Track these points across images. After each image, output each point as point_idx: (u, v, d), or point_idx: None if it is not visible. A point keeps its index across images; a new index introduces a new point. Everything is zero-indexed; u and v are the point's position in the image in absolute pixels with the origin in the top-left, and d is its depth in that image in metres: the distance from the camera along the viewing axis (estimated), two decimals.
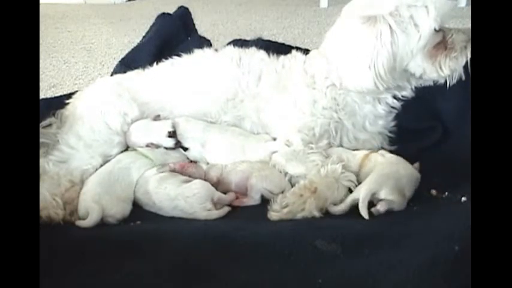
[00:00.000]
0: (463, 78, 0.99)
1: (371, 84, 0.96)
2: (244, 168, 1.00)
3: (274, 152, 1.02)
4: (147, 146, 1.07)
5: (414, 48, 0.95)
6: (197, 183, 0.97)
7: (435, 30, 0.94)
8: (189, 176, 1.02)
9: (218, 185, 1.01)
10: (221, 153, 1.06)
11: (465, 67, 0.98)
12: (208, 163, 1.06)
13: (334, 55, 1.02)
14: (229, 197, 0.98)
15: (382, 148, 1.08)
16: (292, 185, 0.97)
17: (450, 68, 0.97)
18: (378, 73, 0.94)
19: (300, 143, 1.00)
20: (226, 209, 0.95)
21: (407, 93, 1.05)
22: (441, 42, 0.97)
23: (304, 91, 1.05)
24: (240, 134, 1.08)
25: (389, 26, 0.93)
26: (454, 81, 1.00)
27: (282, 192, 0.94)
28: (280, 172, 1.00)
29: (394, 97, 1.06)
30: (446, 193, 0.91)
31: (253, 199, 0.97)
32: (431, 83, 1.03)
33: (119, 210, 0.95)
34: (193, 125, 1.09)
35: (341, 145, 1.06)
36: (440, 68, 0.97)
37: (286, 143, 1.01)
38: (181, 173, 1.02)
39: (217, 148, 1.06)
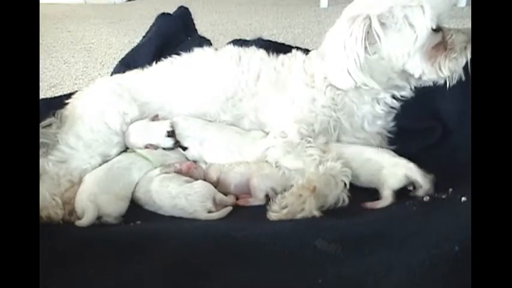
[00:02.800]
0: (463, 78, 0.99)
1: (347, 83, 0.97)
2: (242, 170, 1.00)
3: (269, 147, 1.01)
4: (146, 147, 1.07)
5: (411, 48, 0.95)
6: (199, 183, 0.98)
7: (433, 30, 0.94)
8: (190, 177, 1.02)
9: (217, 184, 1.01)
10: (218, 152, 1.06)
11: (465, 67, 0.98)
12: (206, 163, 1.06)
13: (326, 53, 1.02)
14: (231, 199, 0.98)
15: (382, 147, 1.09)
16: (285, 180, 0.97)
17: (450, 69, 0.97)
18: (349, 72, 0.95)
19: (297, 135, 1.00)
20: (227, 209, 0.95)
21: (407, 93, 1.05)
22: (440, 42, 0.97)
23: (303, 89, 1.05)
24: (237, 133, 1.08)
25: (369, 25, 0.92)
26: (454, 81, 1.00)
27: (285, 190, 0.94)
28: (276, 167, 1.00)
29: (393, 97, 1.05)
30: (447, 193, 0.91)
31: (258, 199, 0.97)
32: (431, 84, 1.03)
33: (116, 208, 0.95)
34: (191, 123, 1.09)
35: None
36: (440, 69, 0.97)
37: (281, 134, 1.01)
38: (186, 173, 1.02)
39: (215, 146, 1.06)
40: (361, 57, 0.94)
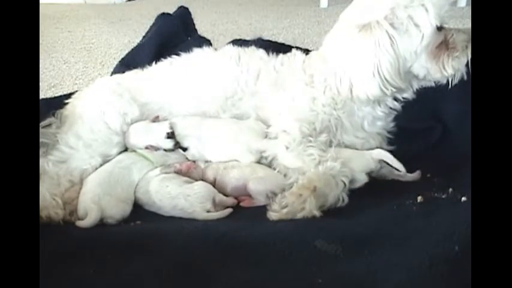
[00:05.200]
0: (465, 78, 0.99)
1: (377, 91, 0.96)
2: (237, 175, 1.00)
3: (270, 146, 1.01)
4: (146, 148, 1.07)
5: (418, 48, 0.95)
6: (199, 183, 0.98)
7: (437, 28, 0.94)
8: (189, 177, 1.02)
9: (215, 185, 1.01)
10: (216, 142, 1.05)
11: (466, 66, 0.98)
12: (206, 161, 1.06)
13: (334, 64, 1.01)
14: (231, 200, 0.98)
15: (382, 148, 1.09)
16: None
17: (453, 67, 0.98)
18: (384, 79, 0.94)
19: (298, 133, 1.00)
20: (227, 211, 0.95)
21: (409, 95, 1.06)
22: (442, 42, 0.98)
23: (303, 89, 1.05)
24: (234, 123, 1.08)
25: (386, 30, 0.93)
26: (456, 81, 1.00)
27: (283, 190, 0.94)
28: (275, 168, 1.00)
29: (395, 99, 1.06)
30: (447, 193, 0.91)
31: (260, 201, 0.96)
32: (433, 84, 1.03)
33: (118, 210, 0.95)
34: (189, 121, 1.09)
35: (341, 142, 1.06)
36: (444, 67, 0.98)
37: (283, 133, 1.01)
38: (186, 173, 1.02)
39: (213, 136, 1.06)
40: (394, 63, 0.94)
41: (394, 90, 0.97)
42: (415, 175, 0.99)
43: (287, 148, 0.98)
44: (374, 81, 0.95)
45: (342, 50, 1.00)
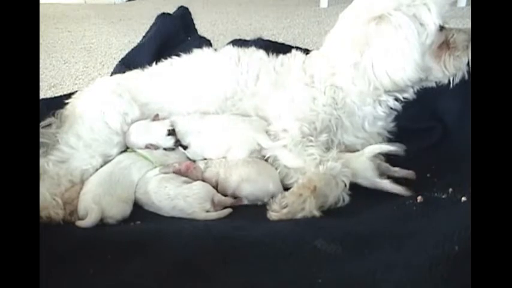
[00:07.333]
0: (466, 77, 1.00)
1: (414, 74, 0.95)
2: (236, 180, 0.99)
3: (270, 146, 1.01)
4: (147, 147, 1.07)
5: (423, 46, 0.95)
6: (198, 184, 0.98)
7: (440, 27, 0.95)
8: (188, 177, 1.02)
9: (217, 186, 1.01)
10: (215, 137, 1.06)
11: (468, 66, 0.99)
12: (205, 160, 1.06)
13: (339, 61, 1.02)
14: (230, 200, 0.98)
15: None
16: (283, 179, 0.99)
17: (455, 66, 0.98)
18: (415, 61, 0.94)
19: (298, 133, 1.00)
20: (227, 211, 0.95)
21: (409, 95, 1.05)
22: (444, 42, 0.98)
23: (303, 89, 1.06)
24: (236, 117, 1.09)
25: (401, 16, 0.93)
26: (457, 80, 1.01)
27: (272, 196, 0.94)
28: (276, 168, 1.00)
29: (396, 99, 1.06)
30: (447, 193, 0.91)
31: (246, 200, 0.98)
32: (434, 85, 1.03)
33: (119, 211, 0.95)
34: (189, 118, 1.10)
35: (341, 142, 1.06)
36: (446, 67, 0.98)
37: (283, 132, 1.01)
38: (185, 173, 1.02)
39: (212, 132, 1.06)
40: (422, 43, 0.94)
41: (424, 74, 0.97)
42: (410, 172, 0.99)
43: (286, 147, 0.98)
44: (410, 65, 0.94)
45: (359, 45, 0.98)
